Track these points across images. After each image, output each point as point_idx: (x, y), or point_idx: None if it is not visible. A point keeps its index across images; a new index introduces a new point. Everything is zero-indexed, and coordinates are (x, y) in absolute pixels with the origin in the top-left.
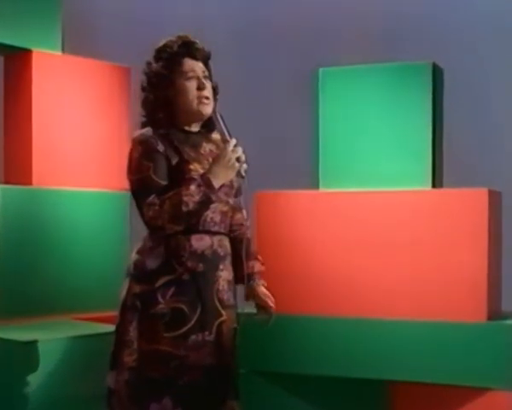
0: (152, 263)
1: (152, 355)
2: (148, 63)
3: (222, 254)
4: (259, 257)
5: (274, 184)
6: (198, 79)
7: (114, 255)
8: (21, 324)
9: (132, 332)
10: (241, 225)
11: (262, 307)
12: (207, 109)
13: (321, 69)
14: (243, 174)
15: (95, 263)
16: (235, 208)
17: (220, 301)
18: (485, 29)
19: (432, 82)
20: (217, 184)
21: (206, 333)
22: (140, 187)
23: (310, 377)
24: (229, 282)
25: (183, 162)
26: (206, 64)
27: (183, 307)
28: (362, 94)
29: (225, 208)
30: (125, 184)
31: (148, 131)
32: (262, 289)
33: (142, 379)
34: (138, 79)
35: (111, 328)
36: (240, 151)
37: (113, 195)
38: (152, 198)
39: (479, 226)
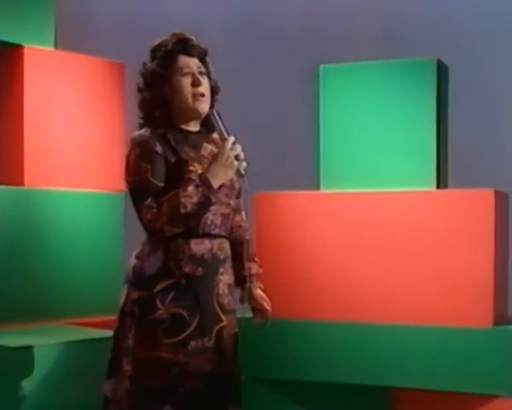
0: (150, 268)
1: (151, 362)
2: (144, 63)
3: (222, 257)
4: (257, 259)
5: (274, 184)
6: (193, 75)
7: (109, 258)
8: (14, 329)
9: (131, 340)
10: (240, 226)
11: (258, 310)
12: (203, 106)
13: (321, 66)
14: (242, 172)
15: (89, 266)
16: (235, 210)
17: (220, 305)
18: (491, 26)
19: (436, 79)
20: (216, 183)
21: (206, 339)
22: (138, 189)
23: (309, 383)
24: (229, 286)
25: (182, 163)
26: (202, 60)
27: (183, 312)
28: (364, 92)
29: (226, 211)
30: (120, 184)
31: (146, 131)
32: (259, 292)
33: (142, 387)
34: (133, 75)
35: (106, 333)
36: (238, 149)
37: (108, 195)
38: (150, 200)
39: (485, 228)
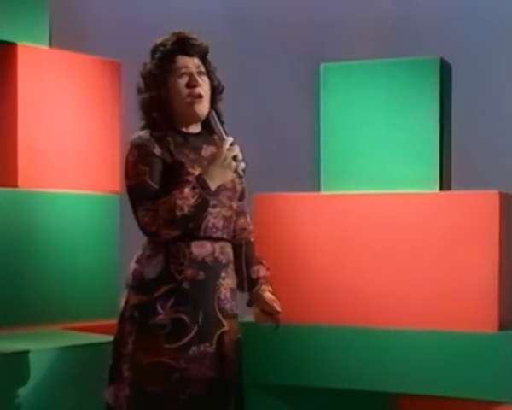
0: (151, 272)
1: (152, 368)
2: (144, 64)
3: (224, 261)
4: (264, 262)
5: (274, 185)
6: (191, 75)
7: (104, 261)
8: (8, 334)
9: (131, 345)
10: (244, 229)
11: (269, 313)
12: (200, 108)
13: (322, 65)
14: (241, 173)
15: (84, 269)
16: (239, 213)
17: (222, 310)
18: (495, 24)
19: (439, 78)
20: (213, 185)
21: (207, 344)
22: (135, 192)
23: (312, 389)
24: (232, 290)
25: (180, 165)
26: (203, 60)
27: (184, 317)
28: (365, 91)
29: (228, 213)
30: (116, 185)
31: (145, 133)
32: (268, 295)
33: (142, 393)
34: (130, 74)
35: (102, 338)
36: (237, 150)
37: (104, 197)
38: (147, 203)
39: (489, 231)
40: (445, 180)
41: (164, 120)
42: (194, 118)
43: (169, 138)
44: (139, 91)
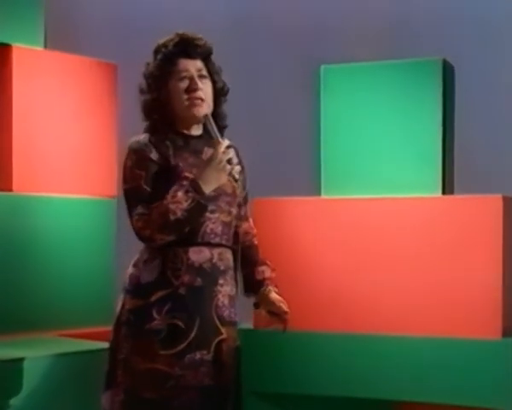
0: (147, 277)
1: (147, 375)
2: (147, 64)
3: (222, 267)
4: (269, 263)
5: (273, 190)
6: (191, 79)
7: (101, 266)
8: (3, 341)
9: (126, 350)
10: (248, 233)
11: (276, 313)
12: (201, 111)
13: (323, 66)
14: (236, 177)
15: (80, 274)
16: (241, 218)
17: (220, 317)
18: (498, 24)
19: (442, 80)
20: (207, 189)
21: (204, 352)
22: (131, 196)
23: (311, 397)
24: (230, 297)
25: (176, 169)
26: (206, 61)
27: (180, 323)
28: (366, 93)
29: (227, 219)
30: (112, 189)
31: (144, 137)
32: (275, 295)
33: (137, 399)
34: (126, 76)
35: (98, 345)
36: (232, 153)
37: (100, 202)
38: (141, 208)
39: (492, 235)
40: (448, 184)
41: (164, 122)
42: (193, 120)
43: (168, 142)
44: (141, 92)
